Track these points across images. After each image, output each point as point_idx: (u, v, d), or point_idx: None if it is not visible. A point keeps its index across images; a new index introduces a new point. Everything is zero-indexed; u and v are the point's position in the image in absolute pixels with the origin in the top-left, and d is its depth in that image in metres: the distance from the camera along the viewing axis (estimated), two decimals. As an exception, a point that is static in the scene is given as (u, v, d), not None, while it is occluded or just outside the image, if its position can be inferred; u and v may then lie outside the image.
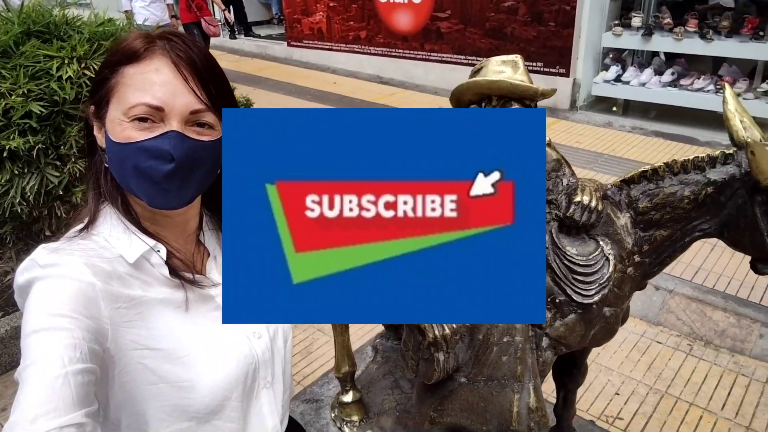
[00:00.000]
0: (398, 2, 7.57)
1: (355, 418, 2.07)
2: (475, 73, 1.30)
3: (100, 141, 0.94)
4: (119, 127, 0.88)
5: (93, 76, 3.34)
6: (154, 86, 0.87)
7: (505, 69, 1.26)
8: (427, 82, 7.59)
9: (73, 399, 0.73)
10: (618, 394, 2.76)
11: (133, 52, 0.88)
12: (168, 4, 7.02)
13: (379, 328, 2.55)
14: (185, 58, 0.89)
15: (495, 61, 1.28)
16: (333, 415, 2.15)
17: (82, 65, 3.34)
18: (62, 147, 3.24)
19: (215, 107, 0.92)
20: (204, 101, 0.90)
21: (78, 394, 0.74)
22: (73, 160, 3.26)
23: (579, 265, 1.36)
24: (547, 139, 1.46)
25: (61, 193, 3.28)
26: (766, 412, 2.64)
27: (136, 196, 0.92)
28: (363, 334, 3.03)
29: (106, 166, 0.94)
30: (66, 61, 3.29)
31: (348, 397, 2.09)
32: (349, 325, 2.11)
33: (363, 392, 2.15)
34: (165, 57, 0.88)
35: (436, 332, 1.30)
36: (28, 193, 3.11)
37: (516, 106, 1.25)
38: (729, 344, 3.06)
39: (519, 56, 1.28)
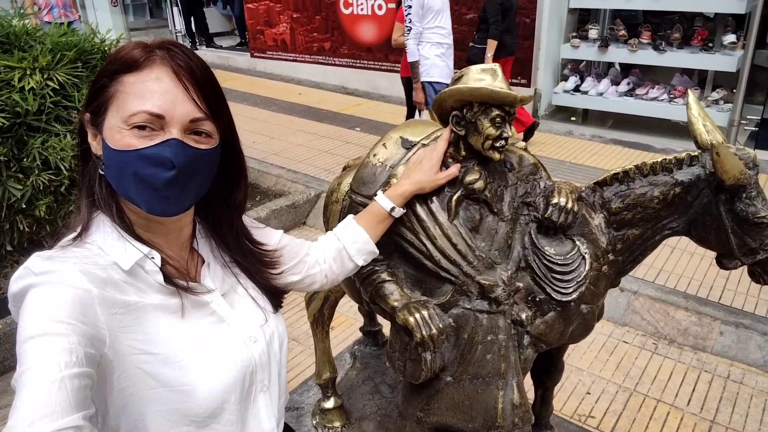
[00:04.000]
0: (362, 14, 7.64)
1: (337, 424, 2.08)
2: (455, 81, 1.35)
3: (96, 149, 0.94)
4: (119, 134, 0.88)
5: (56, 87, 3.28)
6: (155, 94, 0.88)
7: (484, 77, 1.30)
8: (393, 93, 7.65)
9: (70, 402, 0.73)
10: (589, 393, 2.84)
11: (132, 61, 0.89)
12: None
13: (357, 334, 2.56)
14: (185, 67, 0.90)
15: (475, 69, 1.32)
16: (314, 422, 2.14)
17: (45, 76, 3.27)
18: (25, 159, 3.16)
19: (213, 116, 0.94)
20: (204, 110, 0.92)
21: (75, 398, 0.74)
22: (36, 172, 3.18)
23: (557, 264, 1.41)
24: (524, 144, 1.52)
25: (24, 206, 3.19)
26: (728, 407, 2.75)
27: (135, 203, 0.92)
28: (338, 342, 3.04)
29: (101, 173, 0.94)
30: (28, 72, 3.22)
31: (329, 404, 2.09)
32: (329, 331, 2.12)
33: (343, 398, 2.15)
34: (165, 66, 0.90)
35: (423, 332, 1.33)
36: (-10, 207, 3.02)
37: (496, 112, 1.29)
38: (692, 342, 3.18)
39: (497, 65, 1.33)
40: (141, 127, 0.88)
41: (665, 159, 1.40)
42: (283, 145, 5.93)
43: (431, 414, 1.44)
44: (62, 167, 3.20)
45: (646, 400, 2.80)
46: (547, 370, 1.82)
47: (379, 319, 2.39)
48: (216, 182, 1.02)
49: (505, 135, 1.31)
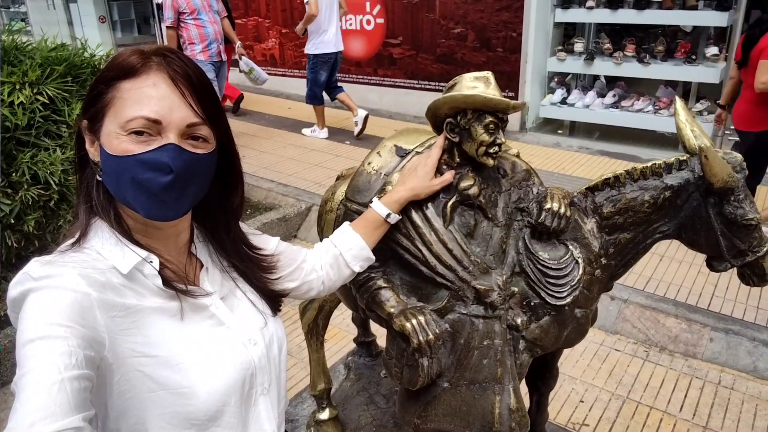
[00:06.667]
0: (351, 29, 7.70)
1: (333, 435, 2.06)
2: (449, 88, 1.36)
3: (93, 155, 0.95)
4: (116, 140, 0.89)
5: (46, 101, 3.28)
6: (152, 100, 0.89)
7: (478, 84, 1.32)
8: (382, 107, 7.70)
9: (69, 404, 0.74)
10: (582, 402, 2.85)
11: (129, 68, 0.90)
12: None
13: (351, 346, 2.56)
14: (182, 73, 0.91)
15: (468, 77, 1.34)
16: (309, 433, 2.13)
17: (35, 91, 3.27)
18: (14, 174, 3.14)
19: (210, 121, 0.95)
20: (200, 115, 0.93)
21: (74, 400, 0.75)
22: (25, 187, 3.16)
23: (551, 269, 1.42)
24: (516, 151, 1.55)
25: (12, 221, 3.17)
26: (720, 412, 2.77)
27: (132, 208, 0.92)
28: (332, 354, 3.02)
29: (99, 179, 0.95)
30: (17, 87, 3.22)
31: (324, 415, 2.08)
32: (323, 341, 2.11)
33: (338, 409, 2.14)
34: (162, 72, 0.91)
35: (420, 338, 1.33)
36: (-22, 222, 3.00)
37: (489, 118, 1.31)
38: (682, 349, 3.20)
39: (490, 73, 1.35)
40: (138, 133, 0.89)
41: (655, 164, 1.42)
42: (274, 159, 5.94)
43: (428, 420, 1.44)
44: (51, 182, 3.18)
45: (639, 407, 2.81)
46: (541, 376, 1.82)
47: (374, 328, 2.39)
48: (213, 187, 1.03)
49: (498, 141, 1.33)
